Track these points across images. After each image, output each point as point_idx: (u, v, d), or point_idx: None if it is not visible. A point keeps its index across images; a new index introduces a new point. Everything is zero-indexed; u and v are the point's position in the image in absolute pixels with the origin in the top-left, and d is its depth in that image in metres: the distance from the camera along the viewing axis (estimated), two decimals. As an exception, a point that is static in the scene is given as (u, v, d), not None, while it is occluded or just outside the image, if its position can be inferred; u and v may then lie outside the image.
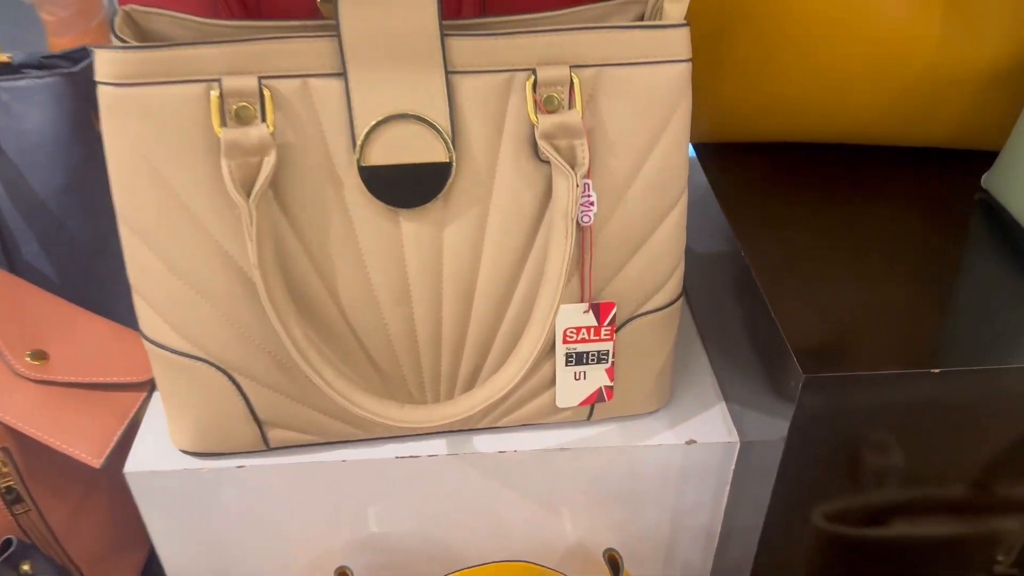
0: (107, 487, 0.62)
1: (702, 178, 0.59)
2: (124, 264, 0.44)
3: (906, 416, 0.43)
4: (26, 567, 0.52)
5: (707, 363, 0.60)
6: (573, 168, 0.42)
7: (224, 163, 0.39)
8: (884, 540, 0.50)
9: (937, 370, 0.42)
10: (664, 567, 0.61)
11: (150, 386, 0.59)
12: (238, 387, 0.47)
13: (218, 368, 0.47)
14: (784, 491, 0.46)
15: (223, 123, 0.40)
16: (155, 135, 0.40)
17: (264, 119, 0.40)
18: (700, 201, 0.58)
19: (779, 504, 0.47)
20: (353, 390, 0.45)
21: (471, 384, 0.50)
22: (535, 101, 0.42)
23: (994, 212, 0.54)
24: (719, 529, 0.58)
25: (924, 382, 0.42)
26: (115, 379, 0.57)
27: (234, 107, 0.40)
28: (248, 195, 0.39)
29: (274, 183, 0.42)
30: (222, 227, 0.42)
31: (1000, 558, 0.52)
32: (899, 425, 0.44)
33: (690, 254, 0.57)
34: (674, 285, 0.49)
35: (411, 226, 0.44)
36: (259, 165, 0.40)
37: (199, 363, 0.46)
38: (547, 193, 0.44)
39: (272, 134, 0.40)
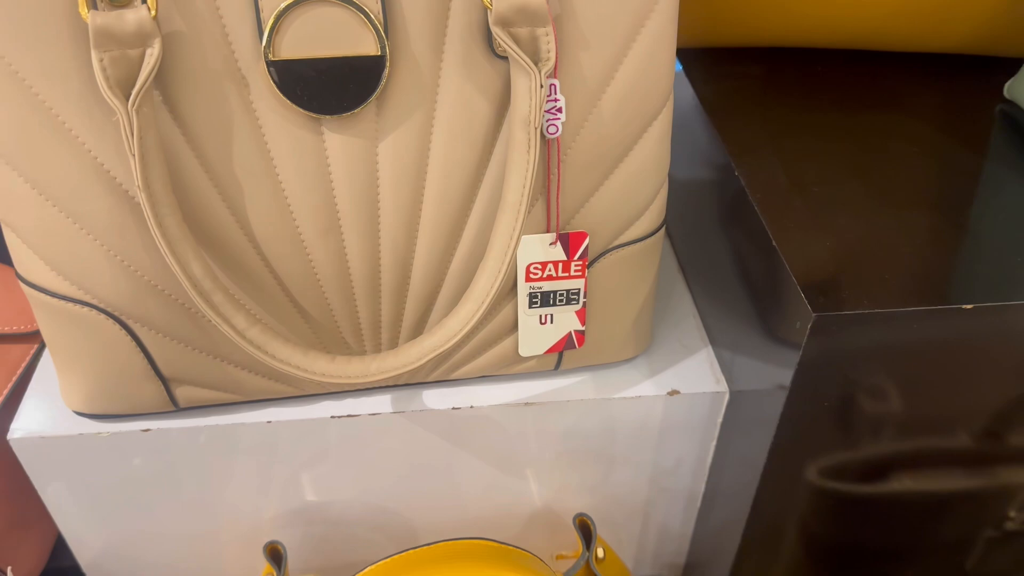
0: (1, 454, 0.58)
1: (687, 89, 0.57)
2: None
3: (927, 359, 0.42)
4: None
5: (691, 303, 0.59)
6: (536, 64, 0.38)
7: (95, 56, 0.35)
8: (889, 497, 0.49)
9: (969, 306, 0.40)
10: (640, 532, 0.60)
11: (41, 337, 0.55)
12: (135, 337, 0.44)
13: (109, 315, 0.43)
14: (783, 447, 0.45)
15: (92, 5, 0.35)
16: (5, 22, 0.35)
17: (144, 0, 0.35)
18: (684, 116, 0.57)
19: (777, 461, 0.46)
20: (270, 340, 0.41)
21: (418, 331, 0.47)
22: (488, -23, 0.38)
23: (1018, 125, 0.53)
24: (703, 490, 0.58)
25: (952, 320, 0.40)
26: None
27: (105, -17, 0.35)
28: (127, 98, 0.35)
29: (162, 83, 0.37)
30: (100, 139, 0.38)
31: (1012, 514, 0.52)
32: (919, 369, 0.42)
33: (669, 178, 0.56)
34: (656, 212, 0.47)
35: (337, 138, 0.40)
36: (140, 59, 0.35)
37: (86, 309, 0.43)
38: (505, 97, 0.41)
39: (155, 19, 0.35)
